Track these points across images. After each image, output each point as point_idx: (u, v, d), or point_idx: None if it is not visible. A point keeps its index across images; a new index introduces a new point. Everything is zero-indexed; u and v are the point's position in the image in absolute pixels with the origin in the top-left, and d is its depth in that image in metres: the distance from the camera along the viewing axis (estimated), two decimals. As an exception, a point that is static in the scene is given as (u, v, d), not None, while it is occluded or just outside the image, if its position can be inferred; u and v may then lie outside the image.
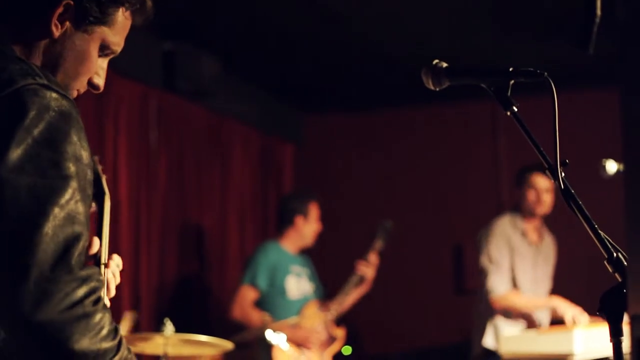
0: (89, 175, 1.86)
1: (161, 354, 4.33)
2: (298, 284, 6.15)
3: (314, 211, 6.22)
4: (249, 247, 7.46)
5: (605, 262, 1.91)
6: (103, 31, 2.04)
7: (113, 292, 2.39)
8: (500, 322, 5.44)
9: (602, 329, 4.45)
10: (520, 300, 5.44)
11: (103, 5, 2.02)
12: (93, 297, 1.75)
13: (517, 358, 4.85)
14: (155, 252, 6.33)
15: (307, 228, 6.20)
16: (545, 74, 2.08)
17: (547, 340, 4.69)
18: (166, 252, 6.47)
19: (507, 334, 5.13)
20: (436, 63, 2.25)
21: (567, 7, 4.85)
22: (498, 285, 5.43)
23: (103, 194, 2.70)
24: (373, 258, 6.26)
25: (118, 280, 2.40)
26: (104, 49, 2.08)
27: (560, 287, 5.85)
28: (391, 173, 8.07)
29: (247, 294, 6.01)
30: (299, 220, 6.18)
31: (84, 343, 1.72)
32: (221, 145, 7.21)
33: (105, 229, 2.50)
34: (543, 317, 5.50)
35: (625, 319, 1.80)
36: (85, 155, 1.85)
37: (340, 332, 6.24)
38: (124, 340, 1.84)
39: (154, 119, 6.35)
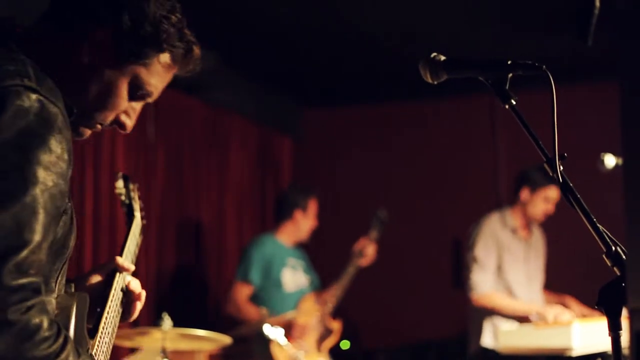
0: (62, 186, 1.80)
1: (159, 349, 4.32)
2: (294, 277, 6.17)
3: (313, 207, 6.25)
4: (247, 241, 7.44)
5: (604, 256, 1.91)
6: (139, 70, 1.98)
7: (135, 316, 2.35)
8: (498, 320, 5.42)
9: (601, 323, 4.44)
10: (501, 302, 5.42)
11: (141, 44, 1.96)
12: (20, 306, 1.70)
13: (515, 352, 4.85)
14: (153, 246, 6.32)
15: (305, 223, 6.23)
16: (544, 67, 2.07)
17: (545, 335, 4.69)
18: (164, 246, 6.46)
19: (505, 329, 5.12)
20: (434, 56, 2.24)
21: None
22: (479, 284, 5.43)
23: (132, 218, 2.71)
24: (369, 248, 6.28)
25: (143, 302, 2.35)
26: (137, 89, 2.02)
27: (558, 281, 5.84)
28: (389, 167, 8.05)
29: (241, 291, 6.05)
30: (298, 215, 6.21)
31: (6, 351, 1.68)
32: (219, 139, 7.20)
33: (128, 248, 2.48)
34: (534, 317, 5.48)
35: (624, 312, 1.79)
36: (61, 165, 1.79)
37: (336, 325, 6.25)
38: (69, 347, 1.79)
39: (151, 112, 6.34)
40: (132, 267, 2.35)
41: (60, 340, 1.77)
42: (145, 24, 1.95)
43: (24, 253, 1.71)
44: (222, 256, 7.19)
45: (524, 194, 5.60)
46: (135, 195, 2.90)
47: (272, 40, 6.61)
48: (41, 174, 1.74)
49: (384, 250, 6.44)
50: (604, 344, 4.49)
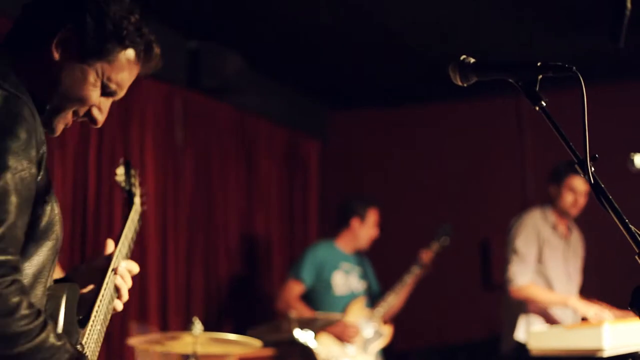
0: (32, 170, 1.91)
1: (190, 353, 4.34)
2: (346, 281, 6.25)
3: (372, 216, 6.34)
4: (275, 244, 7.48)
5: (637, 257, 1.90)
6: (103, 66, 2.12)
7: (126, 297, 2.41)
8: (533, 315, 5.41)
9: (633, 324, 4.42)
10: (539, 293, 5.41)
11: (104, 40, 2.10)
12: (1, 281, 1.78)
13: (546, 353, 4.82)
14: (183, 250, 6.34)
15: (363, 231, 6.34)
16: (574, 67, 2.06)
17: (576, 336, 4.66)
18: (193, 250, 6.48)
19: (535, 329, 5.10)
20: (464, 59, 2.24)
21: (597, 0, 4.82)
22: (519, 276, 5.42)
23: (131, 204, 2.78)
24: (427, 257, 6.36)
25: (129, 283, 2.42)
26: (104, 87, 2.14)
27: (591, 281, 5.82)
28: (416, 168, 8.04)
29: (292, 288, 6.19)
30: (355, 223, 6.32)
31: None
32: (247, 143, 7.22)
33: (124, 236, 2.54)
34: (564, 315, 5.46)
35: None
36: (30, 151, 1.90)
37: (387, 329, 6.30)
38: (49, 327, 1.87)
39: (180, 117, 6.37)
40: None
41: (41, 319, 1.85)
42: (107, 23, 2.10)
43: (0, 231, 1.81)
44: (251, 259, 7.20)
45: (552, 189, 5.61)
46: (135, 181, 2.98)
47: (299, 44, 6.63)
48: (11, 160, 1.86)
49: (413, 253, 6.44)
50: (636, 345, 4.46)
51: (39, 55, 2.09)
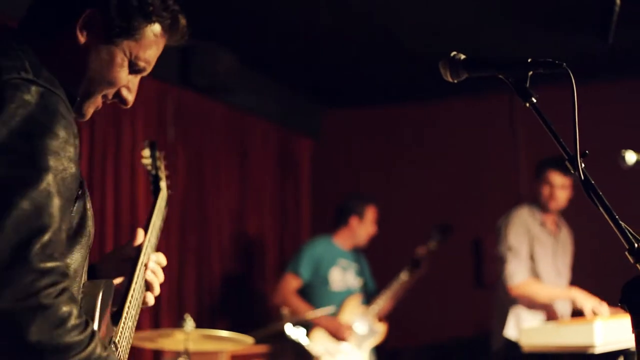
0: (72, 169, 1.84)
1: (182, 350, 4.33)
2: (342, 277, 6.28)
3: (370, 214, 6.38)
4: (268, 241, 7.48)
5: (627, 253, 1.90)
6: (130, 45, 2.06)
7: (157, 291, 2.38)
8: (523, 312, 5.42)
9: (624, 321, 4.43)
10: (539, 289, 5.42)
11: (129, 18, 2.03)
12: (51, 290, 1.71)
13: (537, 350, 4.83)
14: (175, 248, 6.34)
15: (361, 229, 6.37)
16: (564, 64, 2.07)
17: (567, 332, 4.67)
18: (185, 248, 6.48)
19: (527, 326, 5.10)
20: (454, 55, 2.24)
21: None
22: (516, 273, 5.42)
23: (158, 189, 2.71)
24: (422, 256, 6.38)
25: (161, 278, 2.39)
26: (132, 65, 2.09)
27: (580, 278, 5.82)
28: (408, 167, 8.05)
29: (289, 282, 6.20)
30: (354, 221, 6.35)
31: (41, 335, 1.69)
32: (239, 141, 7.22)
33: (152, 225, 2.50)
34: (563, 308, 5.48)
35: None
36: (68, 149, 1.83)
37: (381, 327, 6.31)
38: (97, 338, 1.80)
39: (172, 115, 6.36)
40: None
41: (89, 330, 1.79)
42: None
43: (47, 236, 1.74)
44: (244, 257, 7.20)
45: (535, 185, 5.65)
46: (161, 164, 2.90)
47: (292, 42, 6.62)
48: (51, 160, 1.78)
49: (405, 251, 6.45)
50: (627, 341, 4.48)
51: (61, 42, 2.02)
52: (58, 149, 1.80)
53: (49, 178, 1.77)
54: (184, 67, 6.33)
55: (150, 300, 2.37)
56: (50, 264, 1.72)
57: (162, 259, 2.44)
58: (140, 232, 2.43)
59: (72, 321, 1.74)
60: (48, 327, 1.70)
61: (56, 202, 1.77)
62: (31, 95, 1.82)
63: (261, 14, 6.05)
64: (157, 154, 2.92)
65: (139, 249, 2.37)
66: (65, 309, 1.73)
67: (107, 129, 5.69)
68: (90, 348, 1.77)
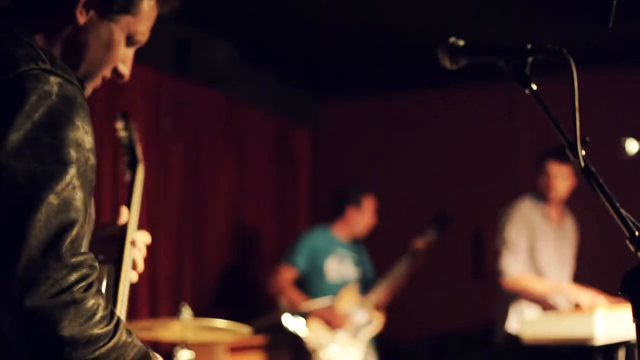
0: (92, 160, 1.83)
1: (179, 340, 4.31)
2: (339, 267, 6.27)
3: (368, 204, 6.35)
4: (265, 232, 7.47)
5: (627, 241, 1.88)
6: (129, 20, 2.05)
7: (141, 267, 2.40)
8: (525, 305, 5.40)
9: (624, 312, 4.40)
10: (532, 284, 5.39)
11: None
12: (83, 284, 1.72)
13: (538, 342, 4.81)
14: (172, 239, 6.33)
15: (359, 219, 6.36)
16: (565, 50, 2.04)
17: (568, 324, 4.66)
18: (183, 239, 6.46)
19: (528, 318, 5.08)
20: (453, 41, 2.22)
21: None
22: (511, 267, 5.40)
23: (136, 162, 2.67)
24: (420, 246, 6.36)
25: (144, 253, 2.41)
26: (130, 39, 2.08)
27: (582, 267, 5.81)
28: (407, 157, 8.03)
29: (285, 272, 6.20)
30: (351, 211, 6.33)
31: (74, 329, 1.69)
32: (236, 131, 7.19)
33: (136, 198, 2.49)
34: (561, 301, 5.45)
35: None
36: (88, 140, 1.82)
37: (378, 317, 6.29)
38: (122, 325, 1.81)
39: (169, 105, 6.34)
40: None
41: (115, 319, 1.79)
42: None
43: (75, 230, 1.73)
44: (242, 248, 7.19)
45: (536, 175, 5.64)
46: (136, 136, 2.85)
47: (289, 31, 6.60)
48: (74, 152, 1.77)
49: (406, 242, 6.43)
50: (628, 333, 4.46)
51: (60, 24, 1.99)
52: (80, 141, 1.79)
53: (73, 171, 1.76)
54: (181, 56, 6.30)
55: (134, 277, 2.38)
56: (80, 258, 1.73)
57: (147, 237, 2.44)
58: (124, 209, 2.44)
59: (101, 312, 1.75)
60: (79, 321, 1.71)
61: (80, 195, 1.77)
62: (50, 85, 1.79)
63: (259, 3, 6.02)
64: (132, 125, 2.87)
65: (124, 227, 2.38)
66: (93, 301, 1.74)
67: (102, 119, 5.66)
68: (117, 336, 1.77)
